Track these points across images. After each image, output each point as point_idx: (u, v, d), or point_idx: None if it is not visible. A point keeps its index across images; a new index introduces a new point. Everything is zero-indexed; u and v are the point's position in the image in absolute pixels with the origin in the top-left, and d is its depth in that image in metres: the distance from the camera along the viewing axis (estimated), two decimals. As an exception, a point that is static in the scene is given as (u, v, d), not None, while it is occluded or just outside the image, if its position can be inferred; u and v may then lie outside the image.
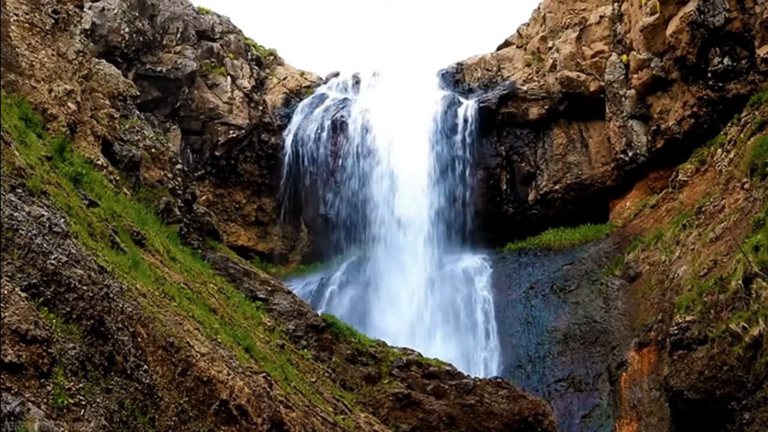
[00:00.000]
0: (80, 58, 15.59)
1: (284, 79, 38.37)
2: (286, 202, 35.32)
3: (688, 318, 17.18)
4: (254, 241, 35.11)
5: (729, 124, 25.81)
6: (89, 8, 28.01)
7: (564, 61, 32.85)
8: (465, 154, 33.60)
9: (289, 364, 13.91)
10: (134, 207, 15.20)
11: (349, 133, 34.68)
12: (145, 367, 7.43)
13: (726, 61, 26.24)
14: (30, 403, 5.52)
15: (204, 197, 32.35)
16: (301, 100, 37.31)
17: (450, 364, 18.73)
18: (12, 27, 13.43)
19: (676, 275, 22.55)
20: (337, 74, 39.14)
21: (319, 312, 21.62)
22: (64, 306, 6.63)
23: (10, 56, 13.12)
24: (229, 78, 34.90)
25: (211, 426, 8.18)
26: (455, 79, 36.92)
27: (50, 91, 13.96)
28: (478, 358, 26.33)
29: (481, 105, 34.08)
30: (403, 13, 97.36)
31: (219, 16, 36.81)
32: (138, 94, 23.45)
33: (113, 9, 31.14)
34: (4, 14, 13.28)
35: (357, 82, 38.15)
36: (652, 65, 29.11)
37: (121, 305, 7.51)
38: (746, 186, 21.10)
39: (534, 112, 33.70)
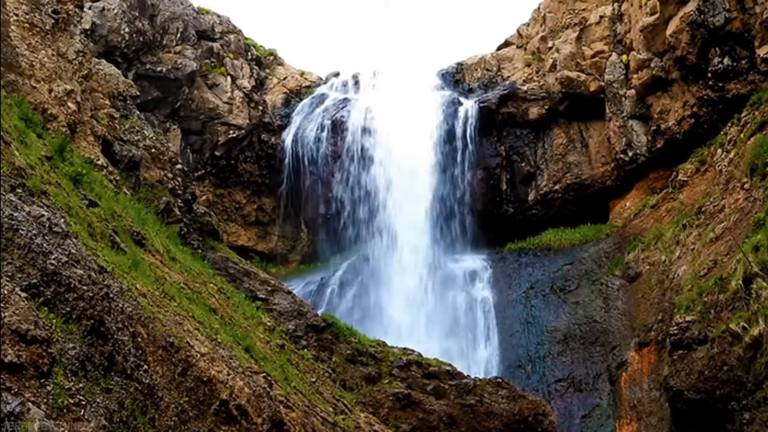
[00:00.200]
0: (80, 58, 15.59)
1: (284, 79, 38.36)
2: (286, 202, 35.31)
3: (688, 318, 17.18)
4: (254, 241, 35.09)
5: (729, 124, 25.81)
6: (89, 8, 28.01)
7: (564, 61, 32.85)
8: (465, 154, 33.58)
9: (289, 364, 13.91)
10: (134, 207, 15.20)
11: (349, 133, 34.67)
12: (145, 367, 7.42)
13: (726, 61, 26.24)
14: (30, 403, 5.52)
15: (204, 197, 32.34)
16: (301, 100, 37.27)
17: (450, 364, 18.72)
18: (12, 27, 13.43)
19: (676, 275, 22.55)
20: (337, 74, 39.12)
21: (319, 312, 21.62)
22: (64, 306, 6.62)
23: (10, 56, 13.12)
24: (229, 78, 34.90)
25: (211, 426, 8.17)
26: (455, 79, 36.91)
27: (50, 91, 13.95)
28: (478, 358, 26.31)
29: (481, 105, 34.07)
30: (403, 13, 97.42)
31: (219, 16, 36.80)
32: (138, 94, 23.45)
33: (113, 9, 31.14)
34: (4, 14, 13.27)
35: (357, 82, 38.13)
36: (652, 65, 29.11)
37: (121, 305, 7.51)
38: (746, 186, 21.10)
39: (534, 112, 33.69)
